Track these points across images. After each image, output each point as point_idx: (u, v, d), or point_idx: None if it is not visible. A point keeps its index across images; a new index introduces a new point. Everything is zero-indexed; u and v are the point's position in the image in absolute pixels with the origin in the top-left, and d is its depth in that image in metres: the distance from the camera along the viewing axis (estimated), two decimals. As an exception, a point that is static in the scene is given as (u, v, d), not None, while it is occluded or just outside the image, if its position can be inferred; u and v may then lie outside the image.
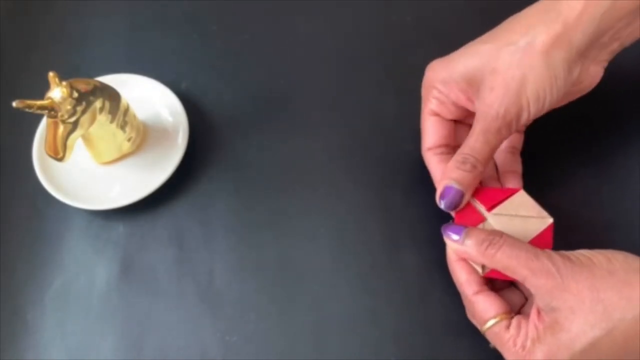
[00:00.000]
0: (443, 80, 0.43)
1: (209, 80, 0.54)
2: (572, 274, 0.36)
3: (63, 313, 0.45)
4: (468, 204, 0.42)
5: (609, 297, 0.35)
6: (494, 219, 0.40)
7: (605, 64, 0.42)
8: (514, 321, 0.38)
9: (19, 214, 0.49)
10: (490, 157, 0.41)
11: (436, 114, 0.45)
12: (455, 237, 0.39)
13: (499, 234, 0.38)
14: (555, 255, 0.37)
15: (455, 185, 0.40)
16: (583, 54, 0.40)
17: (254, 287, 0.46)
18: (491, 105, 0.40)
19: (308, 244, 0.47)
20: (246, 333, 0.44)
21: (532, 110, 0.40)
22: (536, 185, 0.47)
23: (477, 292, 0.39)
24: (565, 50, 0.39)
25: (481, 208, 0.41)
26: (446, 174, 0.41)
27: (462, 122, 0.46)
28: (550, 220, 0.41)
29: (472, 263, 0.40)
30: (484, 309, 0.39)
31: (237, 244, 0.47)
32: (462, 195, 0.40)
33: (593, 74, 0.42)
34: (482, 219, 0.41)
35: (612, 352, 0.35)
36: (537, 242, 0.40)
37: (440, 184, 0.41)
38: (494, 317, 0.38)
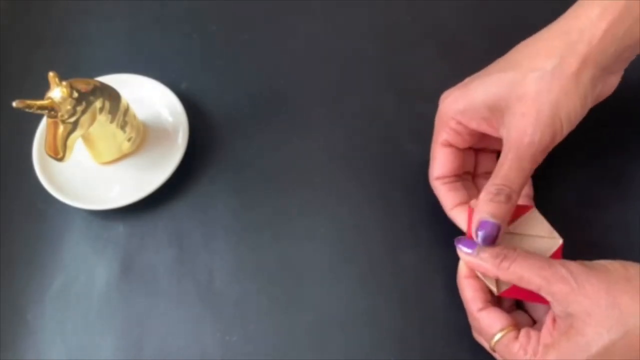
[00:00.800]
0: (462, 111, 0.42)
1: (209, 80, 0.54)
2: (588, 278, 0.36)
3: (63, 313, 0.45)
4: None
5: (625, 302, 0.35)
6: (505, 238, 0.40)
7: (622, 72, 0.42)
8: (523, 331, 0.38)
9: (19, 214, 0.49)
10: (524, 186, 0.40)
11: (450, 145, 0.44)
12: (467, 250, 0.39)
13: (513, 248, 0.38)
14: (569, 262, 0.37)
15: (491, 219, 0.39)
16: (608, 69, 0.40)
17: (254, 287, 0.46)
18: (524, 132, 0.39)
19: (308, 244, 0.47)
20: (246, 333, 0.44)
21: (564, 130, 0.40)
22: (536, 186, 0.47)
23: (481, 309, 0.39)
24: (593, 69, 0.39)
25: None
26: (481, 208, 0.39)
27: (472, 148, 0.45)
28: (560, 241, 0.41)
29: (486, 281, 0.40)
30: (490, 324, 0.39)
31: (237, 244, 0.47)
32: (499, 228, 0.39)
33: (612, 83, 0.42)
34: None
35: (626, 356, 0.35)
36: None
37: (475, 218, 0.40)
38: (501, 330, 0.38)
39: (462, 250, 0.40)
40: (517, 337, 0.38)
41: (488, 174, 0.43)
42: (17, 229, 0.48)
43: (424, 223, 0.46)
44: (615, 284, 0.35)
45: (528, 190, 0.45)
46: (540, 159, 0.40)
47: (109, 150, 0.48)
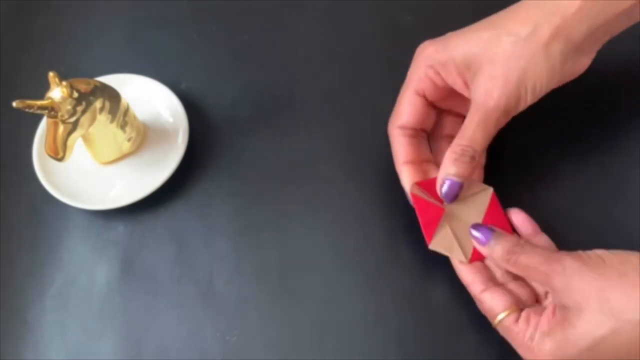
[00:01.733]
0: (443, 62, 0.43)
1: (209, 80, 0.54)
2: (579, 273, 0.37)
3: (63, 313, 0.45)
4: (422, 200, 0.43)
5: (617, 298, 0.35)
6: (452, 207, 0.43)
7: (594, 55, 0.42)
8: (523, 314, 0.39)
9: (19, 214, 0.49)
10: (486, 147, 0.42)
11: (422, 95, 0.45)
12: (482, 239, 0.41)
13: (521, 243, 0.40)
14: (566, 256, 0.38)
15: (455, 178, 0.41)
16: (578, 47, 0.41)
17: (254, 287, 0.46)
18: (491, 96, 0.40)
19: (308, 243, 0.47)
20: (246, 333, 0.44)
21: (528, 99, 0.41)
22: (536, 186, 0.47)
23: (483, 290, 0.40)
24: (564, 43, 0.40)
25: (435, 201, 0.43)
26: (446, 167, 0.41)
27: (436, 107, 0.46)
28: (491, 189, 0.44)
29: (454, 255, 0.42)
30: (492, 306, 0.40)
31: (237, 243, 0.47)
32: (461, 187, 0.41)
33: (582, 63, 0.42)
34: (442, 210, 0.43)
35: (616, 352, 0.36)
36: (491, 214, 0.43)
37: (439, 177, 0.42)
38: (503, 311, 0.39)
39: (478, 240, 0.41)
40: (517, 320, 0.39)
41: (450, 137, 0.44)
42: (17, 229, 0.48)
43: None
44: (608, 279, 0.36)
45: (482, 159, 0.46)
46: (503, 123, 0.41)
47: (109, 151, 0.48)
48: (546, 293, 0.41)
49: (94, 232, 0.48)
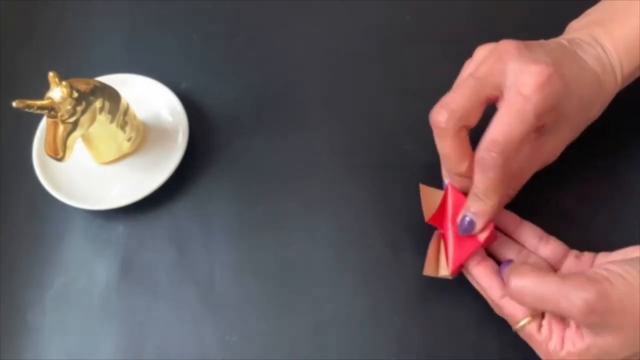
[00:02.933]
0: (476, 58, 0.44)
1: (209, 80, 0.54)
2: (610, 297, 0.34)
3: (63, 313, 0.45)
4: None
5: None
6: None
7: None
8: (545, 323, 0.38)
9: (19, 214, 0.49)
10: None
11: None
12: (503, 269, 0.40)
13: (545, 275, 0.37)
14: (586, 282, 0.35)
15: (470, 216, 0.41)
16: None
17: (254, 287, 0.46)
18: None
19: (308, 243, 0.47)
20: (246, 333, 0.44)
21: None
22: (536, 186, 0.47)
23: (503, 296, 0.40)
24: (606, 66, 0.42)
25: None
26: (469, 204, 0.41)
27: None
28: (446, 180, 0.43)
29: (442, 263, 0.42)
30: (513, 313, 0.39)
31: (237, 243, 0.47)
32: (474, 225, 0.41)
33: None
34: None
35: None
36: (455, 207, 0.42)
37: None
38: (524, 317, 0.39)
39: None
40: (539, 329, 0.38)
41: None
42: (17, 229, 0.48)
43: (423, 223, 0.46)
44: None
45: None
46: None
47: (109, 150, 0.48)
48: (563, 257, 0.41)
49: (94, 232, 0.48)
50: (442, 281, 0.44)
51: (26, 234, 0.48)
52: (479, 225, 0.40)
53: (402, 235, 0.46)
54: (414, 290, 0.45)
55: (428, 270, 0.42)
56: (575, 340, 0.36)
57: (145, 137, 0.50)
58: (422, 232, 0.46)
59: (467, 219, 0.40)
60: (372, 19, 0.56)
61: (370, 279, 0.45)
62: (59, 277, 0.46)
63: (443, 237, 0.42)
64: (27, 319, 0.45)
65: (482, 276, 0.41)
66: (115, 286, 0.46)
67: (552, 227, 0.43)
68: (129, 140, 0.48)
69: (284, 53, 0.55)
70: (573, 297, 0.34)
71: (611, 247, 0.38)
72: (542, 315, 0.38)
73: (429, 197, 0.43)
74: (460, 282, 0.42)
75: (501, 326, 0.41)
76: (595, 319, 0.34)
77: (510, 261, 0.41)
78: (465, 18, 0.53)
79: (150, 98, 0.51)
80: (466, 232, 0.41)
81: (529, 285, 0.36)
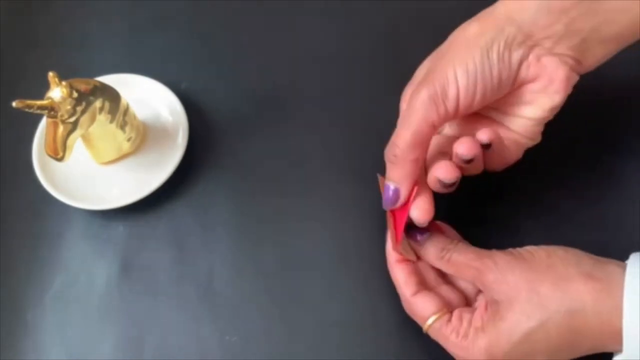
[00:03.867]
0: (406, 92, 0.45)
1: (209, 80, 0.54)
2: (510, 267, 0.37)
3: (63, 313, 0.45)
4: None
5: (544, 290, 0.36)
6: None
7: (570, 61, 0.39)
8: (455, 314, 0.39)
9: (19, 214, 0.49)
10: (413, 141, 0.38)
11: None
12: (420, 237, 0.41)
13: (453, 241, 0.41)
14: (497, 253, 0.39)
15: (388, 183, 0.41)
16: (528, 35, 0.38)
17: (254, 287, 0.46)
18: (418, 85, 0.39)
19: (308, 243, 0.47)
20: (246, 333, 0.44)
21: (460, 83, 0.38)
22: (536, 186, 0.47)
23: (415, 293, 0.40)
24: (502, 28, 0.38)
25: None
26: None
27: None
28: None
29: (407, 255, 0.42)
30: (423, 308, 0.40)
31: (237, 243, 0.47)
32: (396, 190, 0.40)
33: (550, 66, 0.39)
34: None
35: (546, 344, 0.36)
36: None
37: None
38: (434, 313, 0.39)
39: (414, 238, 0.41)
40: (449, 320, 0.39)
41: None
42: (17, 229, 0.48)
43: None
44: (536, 272, 0.37)
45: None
46: (432, 114, 0.38)
47: (108, 150, 0.48)
48: (477, 294, 0.41)
49: (94, 232, 0.48)
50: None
51: (26, 234, 0.48)
52: (403, 190, 0.40)
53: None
54: (414, 290, 0.45)
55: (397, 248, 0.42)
56: (483, 315, 0.38)
57: (145, 137, 0.50)
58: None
59: (392, 187, 0.40)
60: (371, 19, 0.56)
61: (370, 278, 0.45)
62: (59, 277, 0.46)
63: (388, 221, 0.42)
64: (27, 319, 0.45)
65: (400, 273, 0.41)
66: (115, 286, 0.46)
67: (551, 226, 0.43)
68: (128, 140, 0.48)
69: (284, 53, 0.55)
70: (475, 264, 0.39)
71: (609, 246, 0.38)
72: (450, 311, 0.39)
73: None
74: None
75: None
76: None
77: (425, 231, 0.41)
78: (465, 18, 0.53)
79: (150, 98, 0.51)
80: (392, 202, 0.40)
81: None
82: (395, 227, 0.41)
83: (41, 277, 0.47)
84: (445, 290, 0.41)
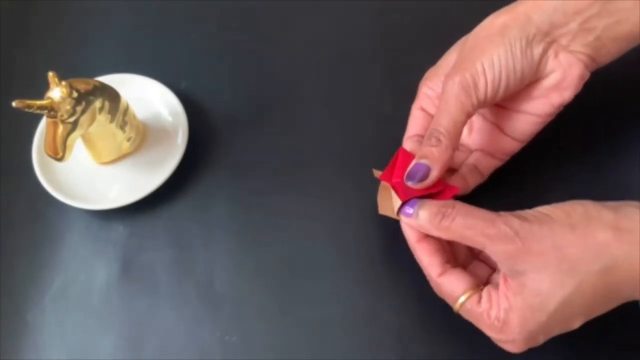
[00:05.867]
0: (429, 77, 0.45)
1: (209, 80, 0.54)
2: (532, 234, 0.35)
3: (63, 313, 0.45)
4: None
5: (573, 253, 0.35)
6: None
7: (584, 58, 0.41)
8: (484, 294, 0.38)
9: (19, 214, 0.49)
10: (454, 129, 0.40)
11: (422, 109, 0.45)
12: (409, 210, 0.39)
13: (452, 204, 0.38)
14: (511, 217, 0.36)
15: (422, 161, 0.40)
16: (546, 33, 0.40)
17: (254, 286, 0.46)
18: (449, 76, 0.40)
19: (308, 243, 0.47)
20: (246, 333, 0.44)
21: (488, 76, 0.39)
22: (535, 185, 0.47)
23: (441, 274, 0.39)
24: (523, 26, 0.40)
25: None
26: (416, 154, 0.40)
27: None
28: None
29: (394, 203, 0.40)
30: (452, 289, 0.38)
31: (237, 243, 0.47)
32: (428, 169, 0.39)
33: (565, 62, 0.40)
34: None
35: (583, 305, 0.35)
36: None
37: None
38: (463, 293, 0.38)
39: (405, 212, 0.39)
40: (479, 301, 0.37)
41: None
42: (17, 229, 0.48)
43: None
44: (561, 235, 0.35)
45: (477, 161, 0.45)
46: (466, 101, 0.40)
47: (108, 150, 0.48)
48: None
49: (94, 233, 0.48)
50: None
51: (26, 234, 0.48)
52: (434, 172, 0.39)
53: (402, 235, 0.46)
54: (414, 290, 0.45)
55: (383, 209, 0.41)
56: (507, 294, 0.36)
57: (145, 137, 0.50)
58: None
59: (425, 163, 0.39)
60: (372, 19, 0.56)
61: (370, 278, 0.45)
62: (59, 277, 0.46)
63: (393, 186, 0.41)
64: (27, 319, 0.45)
65: (422, 253, 0.40)
66: (115, 286, 0.46)
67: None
68: (128, 140, 0.48)
69: (284, 53, 0.55)
70: (493, 229, 0.36)
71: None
72: (481, 289, 0.38)
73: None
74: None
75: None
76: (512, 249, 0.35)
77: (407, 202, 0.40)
78: (465, 18, 0.53)
79: (150, 98, 0.51)
80: (413, 175, 0.39)
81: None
82: (397, 189, 0.40)
83: (41, 277, 0.47)
84: (476, 267, 0.40)
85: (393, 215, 0.41)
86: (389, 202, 0.41)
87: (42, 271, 0.47)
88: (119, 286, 0.46)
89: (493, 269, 0.41)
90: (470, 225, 0.36)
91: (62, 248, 0.48)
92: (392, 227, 0.47)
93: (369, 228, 0.47)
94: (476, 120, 0.46)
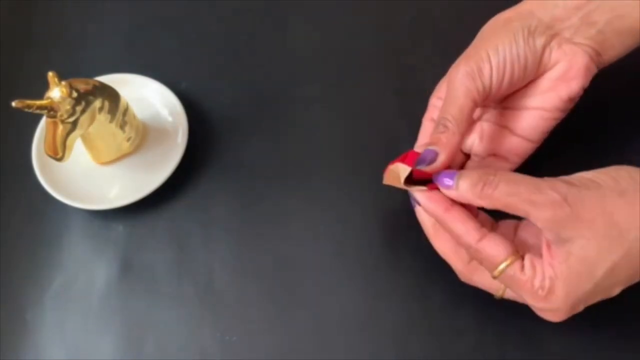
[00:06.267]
0: (439, 88, 0.45)
1: (209, 80, 0.54)
2: (581, 200, 0.34)
3: (63, 313, 0.45)
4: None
5: (622, 220, 0.34)
6: None
7: (589, 50, 0.41)
8: (527, 262, 0.36)
9: (19, 214, 0.49)
10: (461, 115, 0.39)
11: (433, 120, 0.45)
12: (449, 182, 0.37)
13: (493, 172, 0.36)
14: (559, 182, 0.35)
15: (431, 147, 0.39)
16: (549, 26, 0.41)
17: (254, 286, 0.46)
18: (454, 66, 0.41)
19: (308, 243, 0.47)
20: (246, 333, 0.44)
21: (493, 62, 0.40)
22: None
23: (480, 239, 0.37)
24: (525, 18, 0.41)
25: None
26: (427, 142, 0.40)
27: None
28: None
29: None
30: (494, 254, 0.36)
31: (236, 243, 0.47)
32: (436, 154, 0.38)
33: (569, 52, 0.41)
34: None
35: (628, 271, 0.35)
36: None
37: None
38: (505, 259, 0.36)
39: (444, 184, 0.38)
40: (522, 269, 0.36)
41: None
42: (17, 229, 0.48)
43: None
44: (610, 201, 0.34)
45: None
46: (471, 86, 0.40)
47: (108, 150, 0.48)
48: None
49: (94, 232, 0.48)
50: (443, 281, 0.44)
51: (26, 234, 0.48)
52: (442, 157, 0.38)
53: (402, 235, 0.46)
54: (413, 290, 0.45)
55: (388, 179, 0.40)
56: (551, 262, 0.35)
57: (145, 137, 0.50)
58: (422, 232, 0.46)
59: (432, 149, 0.39)
60: (371, 19, 0.56)
61: (370, 278, 0.45)
62: (59, 277, 0.46)
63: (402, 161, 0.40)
64: (27, 319, 0.45)
65: (455, 222, 0.37)
66: (115, 286, 0.46)
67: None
68: (128, 140, 0.48)
69: (284, 53, 0.55)
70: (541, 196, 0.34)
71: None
72: (521, 256, 0.36)
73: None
74: (460, 282, 0.42)
75: (501, 326, 0.41)
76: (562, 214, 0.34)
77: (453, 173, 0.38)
78: (465, 18, 0.53)
79: (150, 98, 0.51)
80: (422, 161, 0.38)
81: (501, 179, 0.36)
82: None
83: (41, 277, 0.47)
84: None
85: (399, 184, 0.39)
86: (394, 175, 0.40)
87: (42, 271, 0.47)
88: (119, 286, 0.46)
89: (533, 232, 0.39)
90: (514, 192, 0.35)
91: (62, 248, 0.48)
92: (392, 227, 0.47)
93: (369, 228, 0.47)
94: (485, 127, 0.45)
